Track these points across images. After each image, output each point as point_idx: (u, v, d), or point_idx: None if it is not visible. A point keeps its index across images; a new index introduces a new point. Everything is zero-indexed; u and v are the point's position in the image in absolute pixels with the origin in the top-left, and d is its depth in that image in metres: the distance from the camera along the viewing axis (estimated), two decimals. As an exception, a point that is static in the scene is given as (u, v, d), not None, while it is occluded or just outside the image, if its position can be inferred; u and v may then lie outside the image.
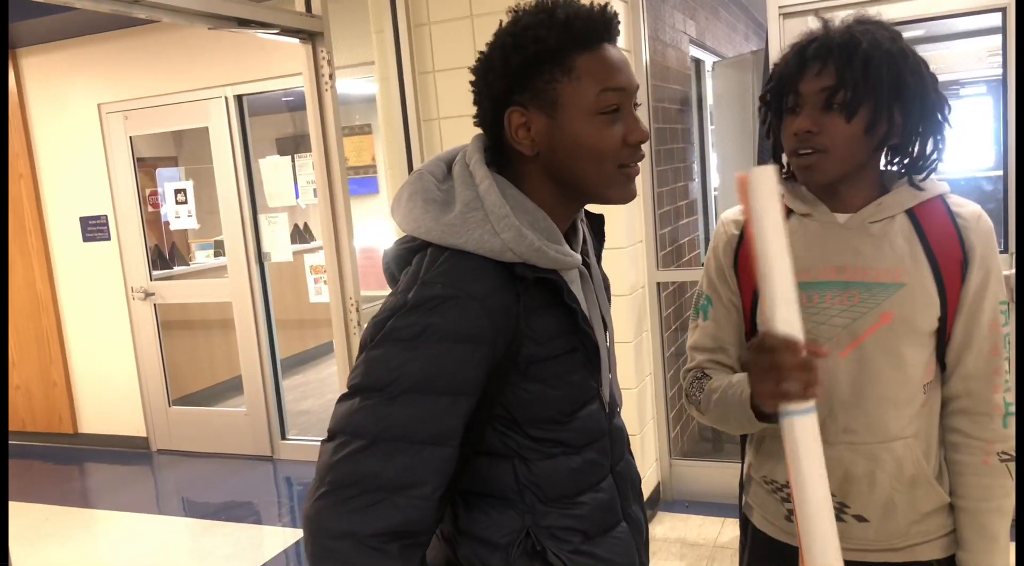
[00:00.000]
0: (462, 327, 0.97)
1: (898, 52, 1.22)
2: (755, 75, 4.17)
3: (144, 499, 4.51)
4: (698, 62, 4.82)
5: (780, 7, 3.07)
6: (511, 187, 1.06)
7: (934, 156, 1.29)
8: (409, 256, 1.07)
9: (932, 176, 1.32)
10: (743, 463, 1.49)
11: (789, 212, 1.33)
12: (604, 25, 1.04)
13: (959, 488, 1.32)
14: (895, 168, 1.33)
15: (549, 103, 1.03)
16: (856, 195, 1.30)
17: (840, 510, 1.30)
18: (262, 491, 4.46)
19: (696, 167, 4.63)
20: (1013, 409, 1.31)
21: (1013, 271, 2.93)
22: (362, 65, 3.68)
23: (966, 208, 1.31)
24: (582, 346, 1.08)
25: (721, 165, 4.78)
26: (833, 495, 1.19)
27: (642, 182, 3.40)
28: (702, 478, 3.47)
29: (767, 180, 1.09)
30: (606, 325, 1.17)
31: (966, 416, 1.32)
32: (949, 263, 1.27)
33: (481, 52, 1.08)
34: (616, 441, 1.17)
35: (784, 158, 1.35)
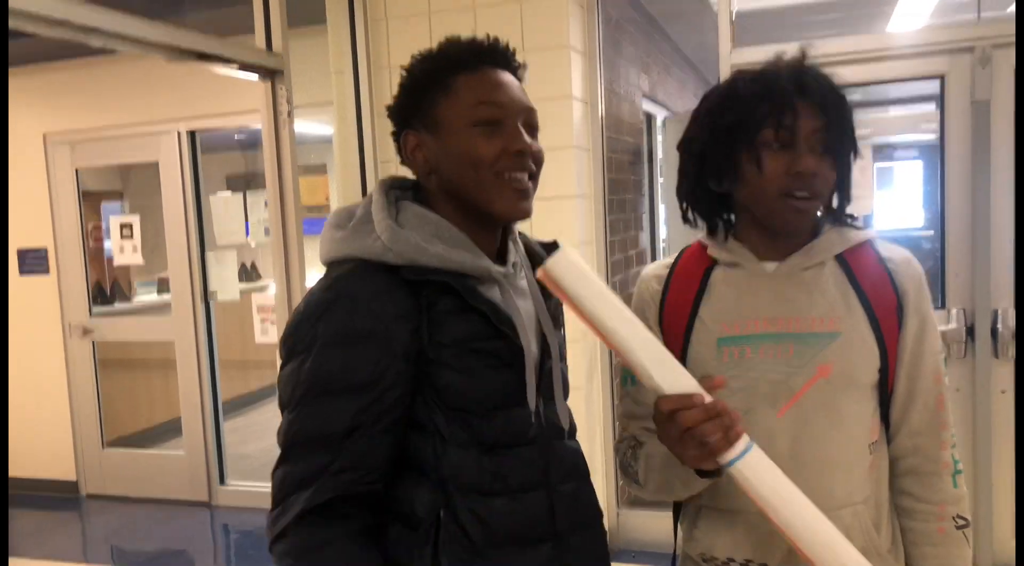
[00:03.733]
0: (348, 328, 1.02)
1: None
2: (705, 130, 4.28)
3: (70, 547, 4.29)
4: (650, 116, 4.94)
5: (732, 66, 3.18)
6: (415, 205, 1.12)
7: (846, 201, 1.25)
8: None
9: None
10: (676, 540, 1.37)
11: (714, 263, 1.27)
12: (488, 51, 1.11)
13: (916, 560, 1.24)
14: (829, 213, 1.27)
15: (433, 123, 1.10)
16: (789, 242, 1.23)
17: None
18: (198, 539, 4.29)
19: (646, 218, 4.71)
20: (962, 467, 1.26)
21: (951, 327, 3.03)
22: (320, 105, 3.68)
23: (895, 252, 1.26)
24: (506, 349, 1.09)
25: (669, 218, 4.87)
26: None
27: (595, 229, 3.44)
28: (650, 527, 3.46)
29: (567, 262, 1.01)
30: (550, 346, 1.18)
31: (915, 477, 1.25)
32: (884, 310, 1.21)
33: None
34: (561, 462, 1.16)
35: (691, 207, 1.27)
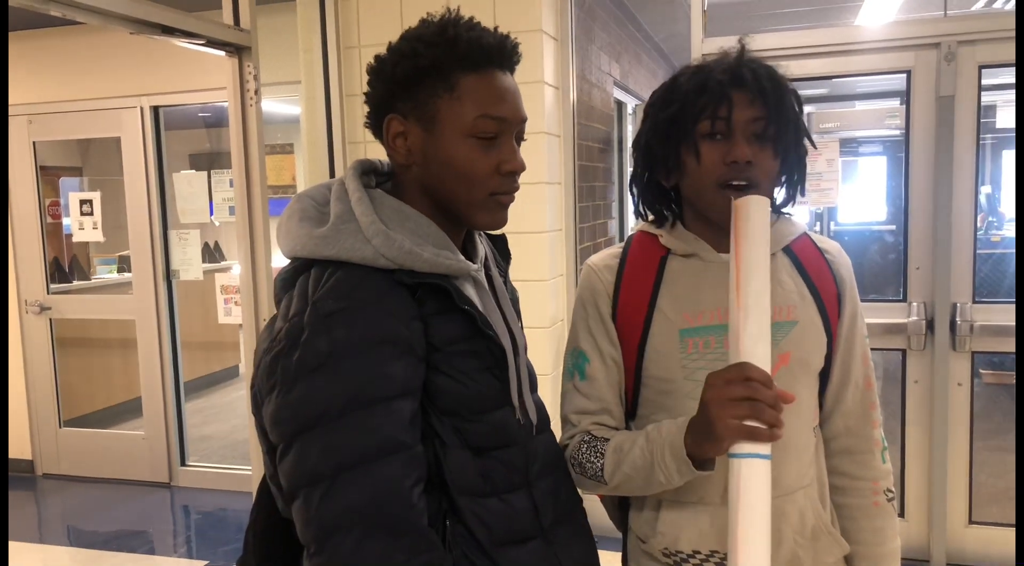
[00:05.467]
0: (369, 333, 0.96)
1: (794, 91, 1.21)
2: (675, 119, 4.29)
3: (25, 527, 4.22)
4: (620, 104, 4.95)
5: (704, 55, 3.18)
6: (391, 199, 1.08)
7: (796, 195, 1.27)
8: (293, 278, 1.05)
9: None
10: (625, 537, 1.37)
11: (668, 253, 1.27)
12: (497, 50, 1.05)
13: (854, 534, 1.31)
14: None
15: (428, 117, 1.04)
16: None
17: None
18: (157, 519, 4.24)
19: (615, 207, 4.72)
20: (887, 444, 1.33)
21: (911, 320, 3.09)
22: (287, 83, 3.63)
23: (829, 243, 1.32)
24: (487, 351, 1.07)
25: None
26: None
27: (565, 216, 3.45)
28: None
29: (763, 210, 1.08)
30: (515, 338, 1.17)
31: (848, 456, 1.31)
32: (828, 298, 1.26)
33: (376, 56, 1.09)
34: (538, 458, 1.15)
35: (642, 200, 1.28)
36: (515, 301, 1.25)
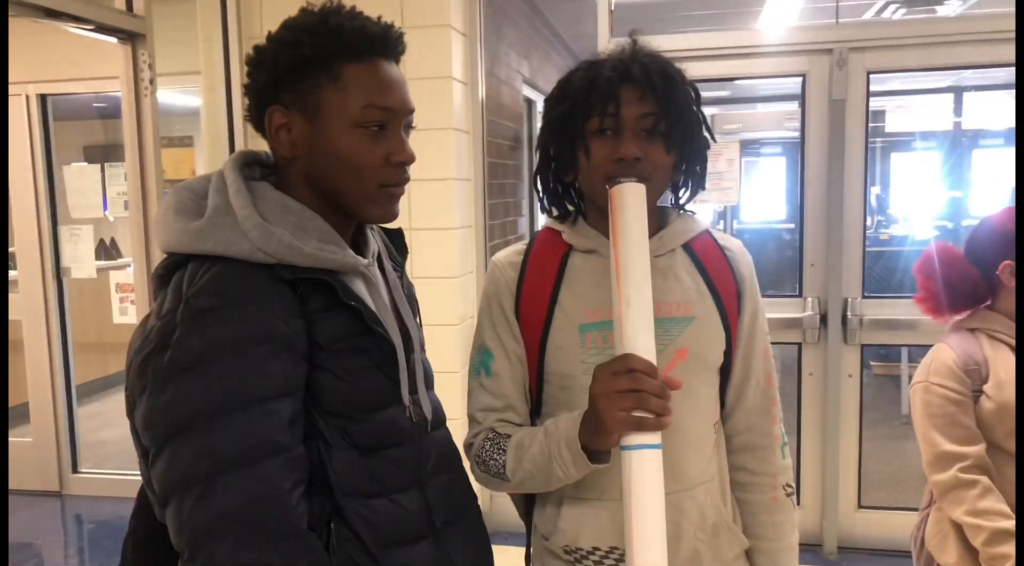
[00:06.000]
0: (245, 331, 0.93)
1: (692, 86, 1.21)
2: (584, 118, 4.35)
3: (-102, 542, 3.94)
4: (530, 102, 4.98)
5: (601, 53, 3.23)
6: (274, 192, 1.05)
7: (697, 191, 1.28)
8: (168, 274, 1.01)
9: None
10: (529, 535, 1.37)
11: (570, 250, 1.27)
12: (381, 39, 1.04)
13: (754, 528, 1.32)
14: (670, 202, 1.32)
15: (312, 108, 1.02)
16: None
17: None
18: (47, 530, 4.03)
19: (524, 204, 4.75)
20: (786, 439, 1.35)
21: (806, 314, 3.21)
22: (186, 74, 3.50)
23: (731, 241, 1.32)
24: (376, 347, 1.05)
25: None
26: None
27: (475, 213, 3.44)
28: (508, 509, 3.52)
29: (638, 197, 1.08)
30: (410, 335, 1.15)
31: (749, 452, 1.32)
32: (727, 295, 1.27)
33: (256, 46, 1.06)
34: (431, 455, 1.13)
35: (545, 196, 1.29)
36: (411, 296, 1.24)
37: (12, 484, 4.39)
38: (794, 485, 1.35)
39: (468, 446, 1.30)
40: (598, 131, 1.17)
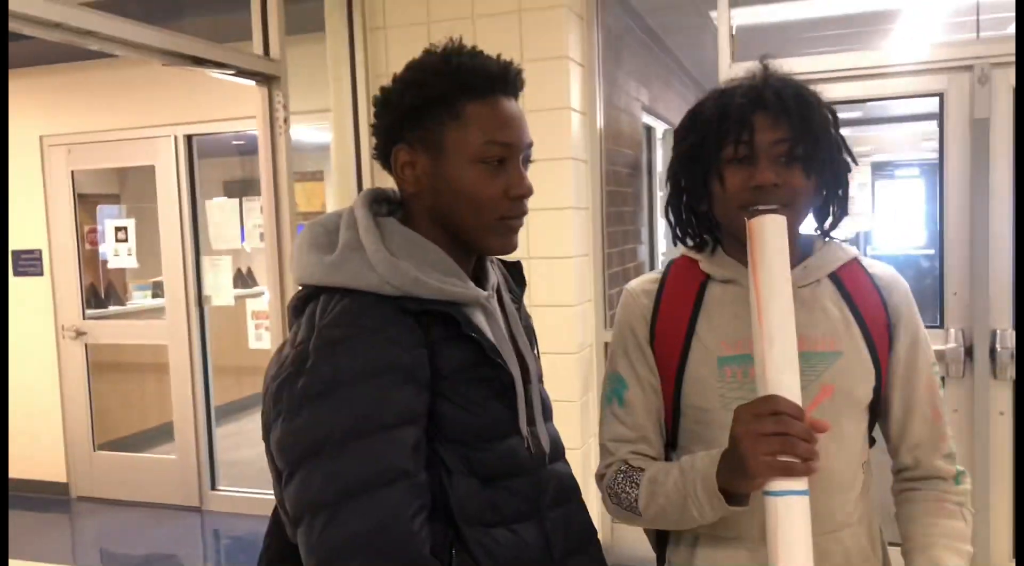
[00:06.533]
0: (372, 361, 0.96)
1: (828, 108, 1.18)
2: (705, 144, 4.27)
3: (60, 549, 4.26)
4: (649, 129, 4.94)
5: (732, 79, 3.16)
6: (401, 227, 1.08)
7: (842, 216, 1.23)
8: (303, 305, 1.06)
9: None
10: None
11: (707, 279, 1.24)
12: (500, 77, 1.07)
13: (909, 533, 1.22)
14: (814, 230, 1.25)
15: (435, 145, 1.05)
16: None
17: None
18: (188, 543, 4.26)
19: (644, 231, 4.70)
20: (962, 470, 1.25)
21: (949, 346, 3.01)
22: (317, 112, 3.68)
23: (882, 268, 1.26)
24: (496, 378, 1.06)
25: (668, 231, 4.85)
26: None
27: (593, 241, 3.43)
28: (644, 540, 3.44)
29: (778, 229, 1.04)
30: (527, 367, 1.15)
31: (918, 483, 1.25)
32: (877, 328, 1.20)
33: (383, 87, 1.10)
34: (549, 487, 1.13)
35: (677, 227, 1.26)
36: (529, 328, 1.24)
37: (158, 498, 4.68)
38: (971, 509, 1.23)
39: (600, 477, 1.28)
40: (733, 160, 1.14)
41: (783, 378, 1.00)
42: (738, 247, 1.20)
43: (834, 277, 1.22)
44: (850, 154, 1.21)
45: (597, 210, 3.42)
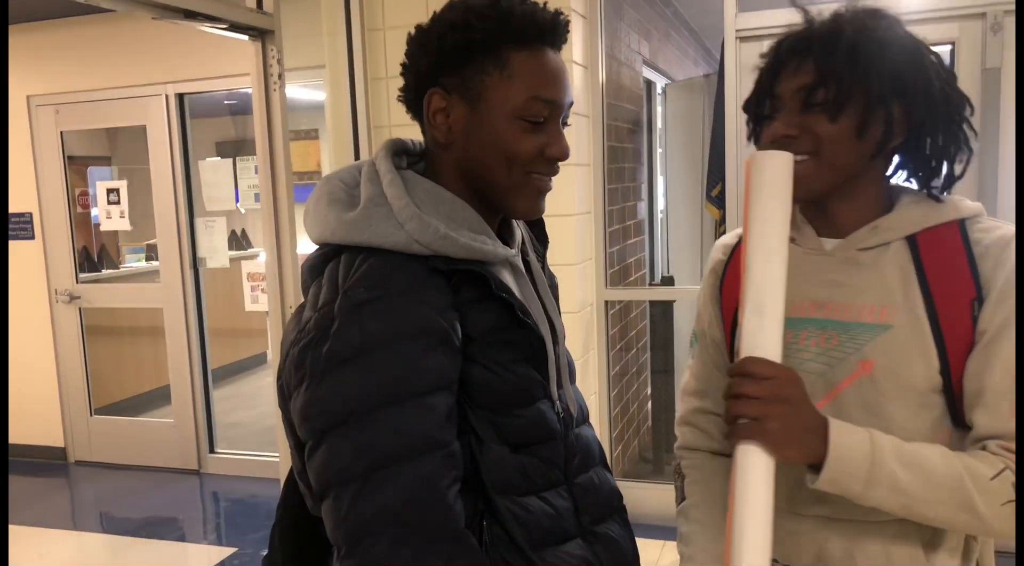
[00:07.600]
0: (404, 324, 0.90)
1: (895, 39, 1.01)
2: (706, 99, 4.21)
3: (59, 513, 4.26)
4: (649, 83, 4.85)
5: (737, 31, 3.09)
6: (426, 181, 1.01)
7: (944, 164, 1.05)
8: (322, 264, 0.99)
9: (955, 194, 1.08)
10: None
11: None
12: (550, 27, 0.99)
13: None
14: (912, 180, 1.09)
15: (473, 94, 0.98)
16: (850, 216, 1.08)
17: None
18: (187, 506, 4.26)
19: (644, 188, 4.64)
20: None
21: None
22: (311, 68, 3.59)
23: (991, 234, 1.03)
24: (526, 341, 1.01)
25: (668, 188, 4.80)
26: None
27: (594, 199, 3.38)
28: (642, 500, 3.43)
29: (779, 168, 0.95)
30: (555, 327, 1.11)
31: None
32: (953, 304, 1.01)
33: (419, 25, 1.02)
34: (576, 452, 1.09)
35: None
36: (554, 287, 1.19)
37: (156, 462, 4.68)
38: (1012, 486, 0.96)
39: (678, 445, 1.29)
40: (765, 116, 1.08)
41: (748, 323, 0.95)
42: (812, 203, 1.12)
43: (912, 240, 1.06)
44: (953, 93, 1.04)
45: (599, 167, 3.36)
